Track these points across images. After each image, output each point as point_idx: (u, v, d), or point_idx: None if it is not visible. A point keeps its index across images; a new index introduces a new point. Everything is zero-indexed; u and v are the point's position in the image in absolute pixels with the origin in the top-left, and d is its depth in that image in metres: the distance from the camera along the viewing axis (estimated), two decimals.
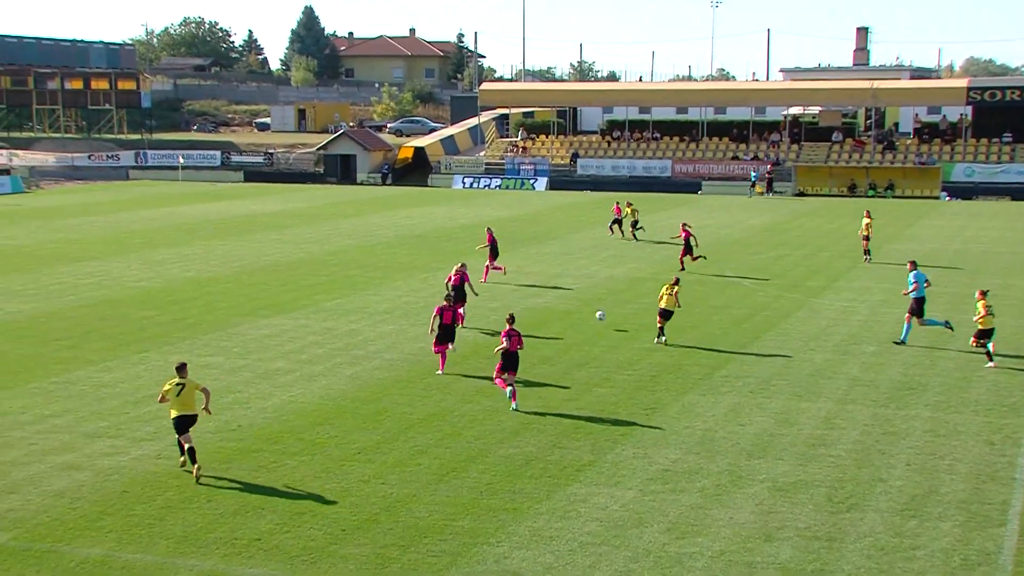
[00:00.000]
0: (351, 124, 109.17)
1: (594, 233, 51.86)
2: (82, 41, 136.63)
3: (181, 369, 18.61)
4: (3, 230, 52.86)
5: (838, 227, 54.14)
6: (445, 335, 25.18)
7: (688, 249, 40.10)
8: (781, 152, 79.17)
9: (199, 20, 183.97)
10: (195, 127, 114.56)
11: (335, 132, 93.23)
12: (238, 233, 51.51)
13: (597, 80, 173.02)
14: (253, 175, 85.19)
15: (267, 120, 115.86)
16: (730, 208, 64.26)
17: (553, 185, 78.49)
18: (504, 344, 22.52)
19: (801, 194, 73.66)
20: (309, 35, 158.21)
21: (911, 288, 28.11)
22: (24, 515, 16.78)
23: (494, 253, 37.80)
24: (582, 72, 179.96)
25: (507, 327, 22.84)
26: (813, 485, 18.08)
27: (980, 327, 26.00)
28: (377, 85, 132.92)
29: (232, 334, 29.48)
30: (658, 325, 28.46)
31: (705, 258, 40.69)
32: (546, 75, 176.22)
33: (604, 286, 37.17)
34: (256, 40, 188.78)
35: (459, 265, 30.63)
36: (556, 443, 20.25)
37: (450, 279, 30.22)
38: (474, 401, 23.08)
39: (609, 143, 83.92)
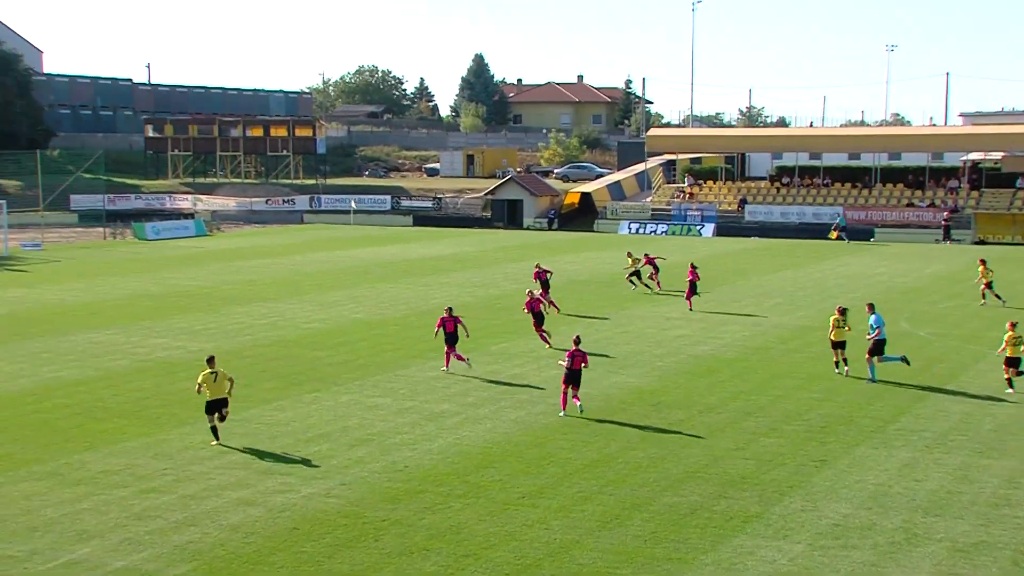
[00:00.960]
0: (518, 169, 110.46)
1: (761, 280, 51.07)
2: (263, 90, 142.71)
3: (211, 361, 23.40)
4: (186, 271, 55.29)
5: (1021, 277, 51.92)
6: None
7: (693, 289, 41.49)
8: (960, 199, 76.54)
9: (373, 68, 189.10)
10: (367, 172, 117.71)
11: (503, 177, 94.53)
12: (407, 276, 52.62)
13: (766, 125, 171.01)
14: (422, 219, 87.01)
15: (436, 165, 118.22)
16: (905, 256, 62.40)
17: (720, 231, 77.72)
18: (566, 363, 25.26)
19: (981, 242, 70.99)
20: (479, 82, 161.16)
21: (873, 333, 28.58)
22: (202, 547, 17.43)
23: (546, 288, 41.14)
24: (751, 117, 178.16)
25: (573, 347, 25.29)
26: (997, 547, 17.27)
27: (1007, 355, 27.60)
28: (544, 131, 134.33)
29: (400, 376, 30.05)
30: (834, 359, 28.38)
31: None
32: (714, 120, 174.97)
33: (772, 334, 36.51)
34: (427, 87, 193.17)
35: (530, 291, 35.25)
36: (722, 493, 19.93)
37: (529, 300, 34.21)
38: (638, 448, 22.93)
39: (778, 189, 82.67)
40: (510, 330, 37.44)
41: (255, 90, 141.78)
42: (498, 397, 27.52)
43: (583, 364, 25.55)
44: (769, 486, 20.31)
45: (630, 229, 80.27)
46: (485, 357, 32.61)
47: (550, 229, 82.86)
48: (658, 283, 46.52)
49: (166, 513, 18.96)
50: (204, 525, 18.37)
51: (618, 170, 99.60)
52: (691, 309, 41.09)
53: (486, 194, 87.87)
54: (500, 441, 23.52)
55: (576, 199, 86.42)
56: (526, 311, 34.62)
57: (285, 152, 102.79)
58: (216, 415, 23.28)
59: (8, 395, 27.75)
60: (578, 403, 25.56)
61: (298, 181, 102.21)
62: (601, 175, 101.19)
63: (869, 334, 28.91)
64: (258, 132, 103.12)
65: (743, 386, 28.65)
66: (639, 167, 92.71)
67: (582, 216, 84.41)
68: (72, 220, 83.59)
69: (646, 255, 47.62)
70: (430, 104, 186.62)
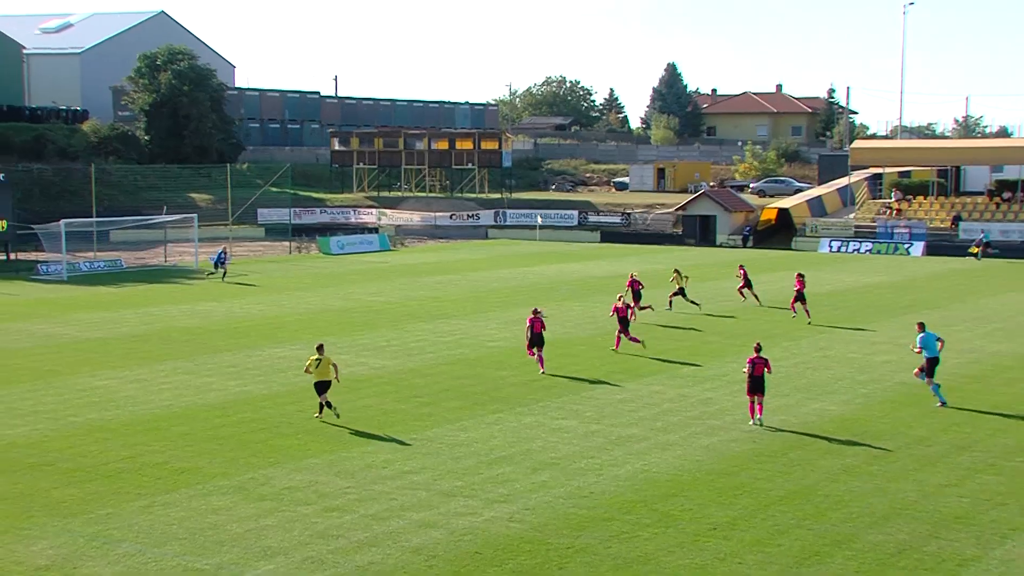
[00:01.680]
0: (712, 184, 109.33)
1: (978, 303, 49.08)
2: (449, 103, 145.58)
3: (320, 348, 27.78)
4: (371, 286, 56.78)
5: None
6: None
7: (799, 298, 44.07)
8: None
9: (561, 79, 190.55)
10: (553, 186, 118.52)
11: (695, 192, 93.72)
12: (594, 294, 52.67)
13: (985, 136, 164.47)
14: (609, 235, 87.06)
15: (625, 179, 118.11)
16: None
17: (931, 250, 75.02)
18: (747, 369, 26.77)
19: None
20: (670, 92, 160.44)
21: (917, 350, 29.16)
22: (384, 569, 17.82)
23: (636, 297, 43.83)
24: (967, 127, 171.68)
25: (754, 354, 26.83)
26: None
27: None
28: (740, 143, 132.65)
29: (586, 397, 30.10)
30: None
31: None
32: (925, 131, 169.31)
33: (989, 362, 35.03)
34: (616, 98, 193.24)
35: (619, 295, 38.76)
36: (933, 533, 19.19)
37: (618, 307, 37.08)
38: (840, 480, 22.32)
39: (998, 205, 79.29)
40: (700, 352, 37.06)
41: (441, 102, 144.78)
42: (688, 422, 27.26)
43: (766, 370, 26.75)
44: (988, 527, 19.45)
45: (831, 247, 78.36)
46: (675, 380, 32.37)
47: (744, 246, 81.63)
48: (754, 296, 48.92)
49: (349, 532, 19.47)
50: (386, 546, 18.77)
51: (818, 184, 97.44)
52: (794, 314, 44.41)
53: (677, 209, 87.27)
54: (690, 468, 23.27)
55: (773, 215, 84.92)
56: (611, 314, 37.64)
57: (470, 165, 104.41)
58: (325, 395, 27.60)
59: (198, 407, 29.04)
60: (759, 416, 26.80)
61: (483, 195, 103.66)
62: (800, 190, 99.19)
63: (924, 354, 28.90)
64: (443, 145, 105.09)
65: (957, 418, 27.57)
66: (842, 181, 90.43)
67: (779, 233, 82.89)
68: (259, 234, 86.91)
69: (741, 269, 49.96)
70: (619, 116, 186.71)
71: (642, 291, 44.96)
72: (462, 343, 38.93)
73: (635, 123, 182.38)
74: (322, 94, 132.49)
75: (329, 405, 27.47)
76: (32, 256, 67.65)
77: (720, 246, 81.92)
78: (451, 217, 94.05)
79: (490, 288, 55.42)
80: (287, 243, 79.24)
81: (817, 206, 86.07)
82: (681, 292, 46.67)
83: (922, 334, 29.15)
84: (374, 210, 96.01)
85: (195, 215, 71.83)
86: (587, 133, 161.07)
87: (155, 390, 31.29)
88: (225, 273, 59.79)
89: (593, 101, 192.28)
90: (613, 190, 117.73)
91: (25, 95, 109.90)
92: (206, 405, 29.39)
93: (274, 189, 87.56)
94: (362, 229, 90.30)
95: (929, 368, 28.91)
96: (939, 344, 29.06)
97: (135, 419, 27.80)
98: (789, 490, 21.73)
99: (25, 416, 28.08)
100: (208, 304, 50.10)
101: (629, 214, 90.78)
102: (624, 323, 37.17)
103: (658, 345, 38.47)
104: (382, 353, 37.25)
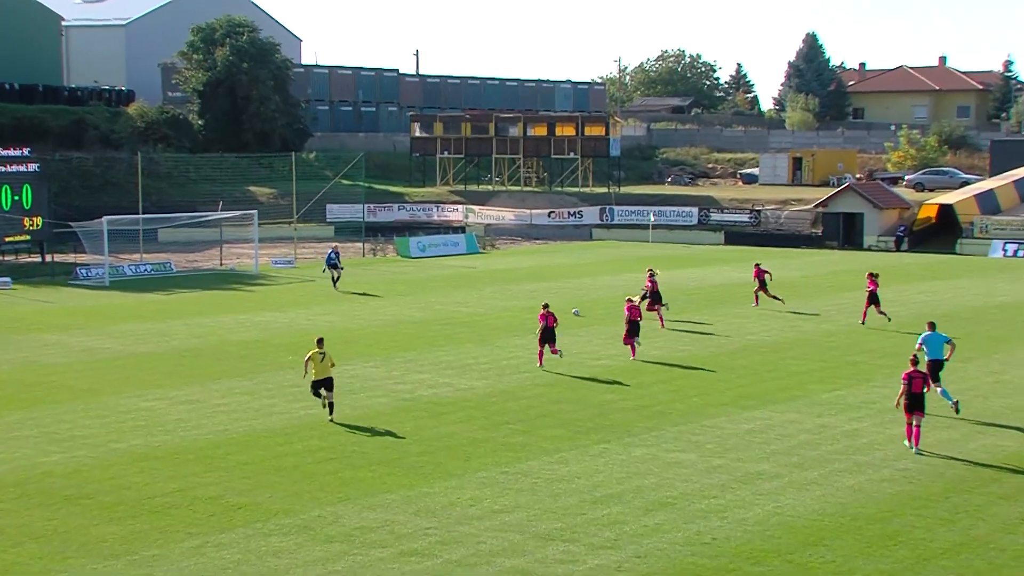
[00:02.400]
0: (858, 176, 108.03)
1: None
2: (548, 81, 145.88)
3: (320, 342, 30.62)
4: (455, 295, 57.12)
5: None
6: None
7: (873, 300, 45.93)
8: None
9: (679, 53, 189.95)
10: (669, 179, 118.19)
11: (838, 186, 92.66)
12: (715, 305, 52.38)
13: None
14: (735, 236, 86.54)
15: (754, 171, 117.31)
16: None
17: None
18: (904, 387, 27.25)
19: None
20: (810, 68, 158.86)
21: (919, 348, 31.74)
22: None
23: (655, 299, 46.70)
24: None
25: (911, 368, 27.40)
26: None
27: None
28: (893, 127, 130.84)
29: (706, 427, 29.95)
30: None
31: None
32: None
33: None
34: (745, 75, 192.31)
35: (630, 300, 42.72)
36: None
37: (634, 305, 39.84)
38: (1018, 531, 21.88)
39: None
40: (844, 375, 36.65)
41: (538, 81, 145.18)
42: (830, 458, 26.96)
43: (925, 388, 27.29)
44: None
45: (1005, 251, 76.91)
46: (814, 408, 32.06)
47: (898, 250, 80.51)
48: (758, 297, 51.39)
49: None
50: None
51: (990, 176, 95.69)
52: (863, 322, 46.29)
53: (816, 206, 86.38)
54: (833, 513, 23.01)
55: (933, 212, 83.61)
56: (627, 314, 39.37)
57: (572, 155, 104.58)
58: (324, 392, 30.27)
59: (258, 433, 29.48)
60: (916, 446, 27.19)
61: (586, 189, 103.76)
62: (967, 183, 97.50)
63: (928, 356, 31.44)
64: (541, 131, 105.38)
65: None
66: (1020, 172, 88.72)
67: (941, 234, 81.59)
68: (327, 233, 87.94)
69: (759, 266, 52.21)
70: (748, 96, 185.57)
71: (658, 291, 47.44)
72: (562, 361, 38.96)
73: (767, 104, 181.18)
74: (401, 72, 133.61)
75: (331, 408, 30.38)
76: (70, 258, 69.28)
77: (868, 249, 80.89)
78: (549, 215, 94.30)
79: (594, 298, 55.41)
80: (360, 244, 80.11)
81: (988, 202, 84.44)
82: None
83: (928, 333, 31.97)
84: (460, 206, 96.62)
85: (255, 212, 73.07)
86: (709, 116, 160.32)
87: (208, 413, 31.83)
88: (337, 279, 59.50)
89: (717, 79, 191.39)
90: (740, 183, 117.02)
91: (64, 74, 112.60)
92: (267, 431, 29.82)
93: (345, 182, 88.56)
94: (446, 228, 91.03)
95: (933, 372, 30.81)
96: (949, 349, 31.73)
97: (185, 446, 28.31)
98: (953, 542, 21.38)
99: (62, 442, 28.75)
100: (269, 314, 50.86)
101: (759, 211, 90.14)
102: (634, 328, 39.39)
103: (790, 366, 38.12)
104: (469, 372, 37.45)
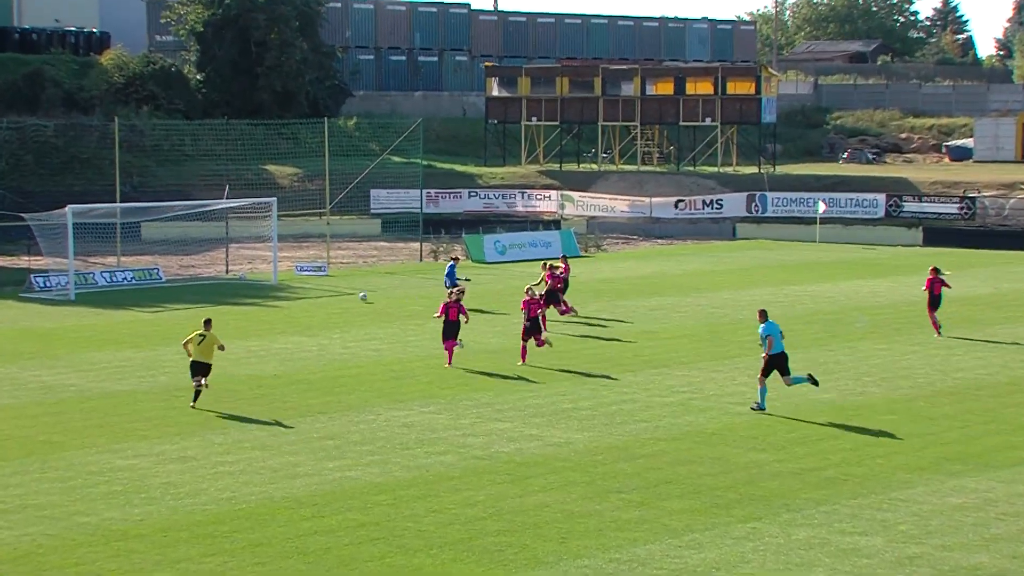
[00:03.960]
0: None
1: None
2: (675, 20, 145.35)
3: (208, 323, 38.45)
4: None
5: None
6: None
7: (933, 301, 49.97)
8: None
9: None
10: (846, 155, 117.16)
11: None
12: (909, 330, 51.84)
13: None
14: (938, 234, 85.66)
15: (967, 142, 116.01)
16: None
17: None
18: None
19: None
20: None
21: (765, 347, 38.01)
22: None
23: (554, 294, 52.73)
24: None
25: None
26: None
27: None
28: None
29: (897, 501, 29.67)
30: None
31: None
32: None
33: None
34: (955, 8, 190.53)
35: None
36: None
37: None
38: None
39: None
40: None
41: (663, 19, 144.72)
42: None
43: None
44: None
45: None
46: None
47: None
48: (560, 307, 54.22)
49: None
50: None
51: None
52: (938, 335, 49.81)
53: None
54: None
55: None
56: (523, 310, 45.20)
57: (709, 121, 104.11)
58: (203, 379, 37.69)
59: (276, 503, 29.52)
60: None
61: (728, 169, 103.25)
62: None
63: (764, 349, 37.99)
64: (666, 88, 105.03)
65: None
66: None
67: None
68: (372, 229, 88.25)
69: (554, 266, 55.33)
70: (957, 39, 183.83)
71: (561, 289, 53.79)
72: (691, 406, 38.77)
73: (985, 49, 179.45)
74: (473, 7, 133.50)
75: (199, 391, 38.02)
76: (21, 262, 69.82)
77: None
78: (676, 205, 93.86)
79: (737, 318, 55.06)
80: (416, 244, 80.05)
81: None
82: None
83: (764, 324, 38.18)
84: (553, 193, 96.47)
85: (273, 199, 72.72)
86: (902, 67, 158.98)
87: (208, 474, 31.94)
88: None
89: (914, 15, 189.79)
90: (946, 160, 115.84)
91: (13, 10, 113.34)
92: (288, 499, 29.88)
93: (396, 159, 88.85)
94: (534, 223, 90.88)
95: (782, 365, 37.88)
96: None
97: (177, 520, 28.42)
98: None
99: (9, 513, 28.91)
100: (292, 339, 51.05)
101: (972, 199, 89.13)
102: (534, 326, 45.18)
103: (1016, 417, 37.61)
104: (564, 420, 37.37)
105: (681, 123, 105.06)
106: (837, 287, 65.26)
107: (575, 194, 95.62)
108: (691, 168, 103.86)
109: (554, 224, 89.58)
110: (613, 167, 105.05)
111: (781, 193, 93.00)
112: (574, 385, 42.25)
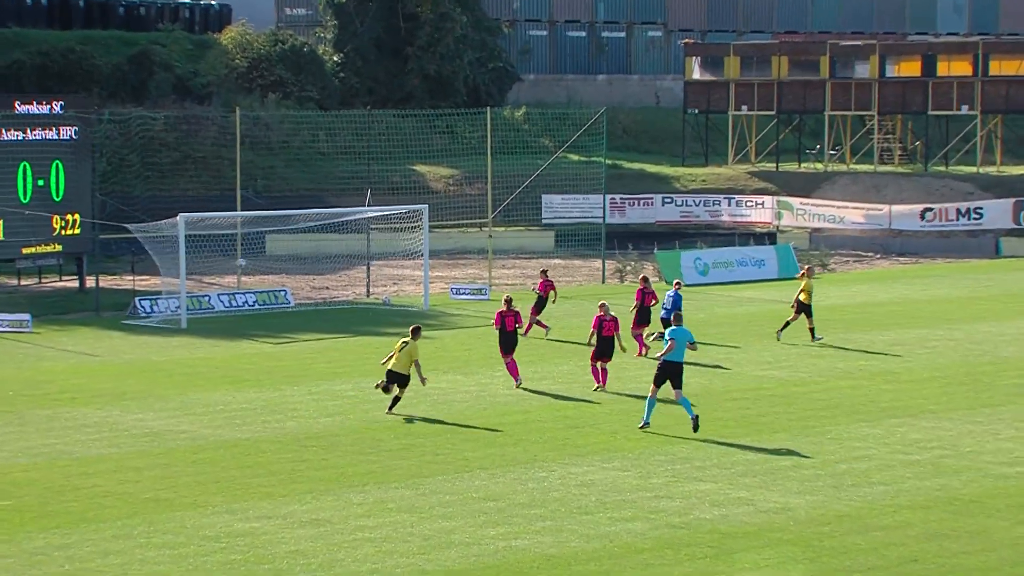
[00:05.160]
0: None
1: None
2: None
3: (415, 332, 44.36)
4: (755, 348, 56.76)
5: None
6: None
7: None
8: None
9: None
10: None
11: None
12: None
13: None
14: None
15: None
16: None
17: None
18: None
19: None
20: None
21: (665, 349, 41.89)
22: None
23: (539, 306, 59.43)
24: None
25: None
26: None
27: None
28: None
29: None
30: None
31: None
32: None
33: None
34: None
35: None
36: None
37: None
38: None
39: None
40: None
41: None
42: None
43: None
44: None
45: None
46: None
47: None
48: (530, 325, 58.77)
49: None
50: None
51: None
52: None
53: None
54: None
55: None
56: (495, 327, 49.06)
57: (966, 109, 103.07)
58: (396, 386, 43.90)
59: None
60: None
61: (991, 169, 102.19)
62: None
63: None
64: (911, 68, 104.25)
65: None
66: None
67: None
68: (544, 243, 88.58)
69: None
70: None
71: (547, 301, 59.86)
72: (943, 466, 38.49)
73: None
74: None
75: (398, 398, 44.01)
76: (125, 282, 70.83)
77: None
78: (923, 214, 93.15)
79: (1000, 356, 54.68)
80: (597, 262, 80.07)
81: None
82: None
83: (674, 327, 42.73)
84: (768, 199, 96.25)
85: (424, 206, 72.83)
86: None
87: (346, 541, 32.18)
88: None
89: None
90: None
91: None
92: (441, 572, 30.04)
93: (574, 157, 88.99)
94: (745, 236, 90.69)
95: (676, 375, 41.85)
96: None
97: None
98: None
99: None
100: (446, 377, 51.15)
101: None
102: (510, 341, 48.96)
103: None
104: (781, 480, 37.29)
105: (930, 112, 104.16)
106: None
107: (795, 201, 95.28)
108: (942, 168, 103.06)
109: (768, 238, 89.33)
110: (843, 167, 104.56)
111: None
112: (792, 436, 42.07)
